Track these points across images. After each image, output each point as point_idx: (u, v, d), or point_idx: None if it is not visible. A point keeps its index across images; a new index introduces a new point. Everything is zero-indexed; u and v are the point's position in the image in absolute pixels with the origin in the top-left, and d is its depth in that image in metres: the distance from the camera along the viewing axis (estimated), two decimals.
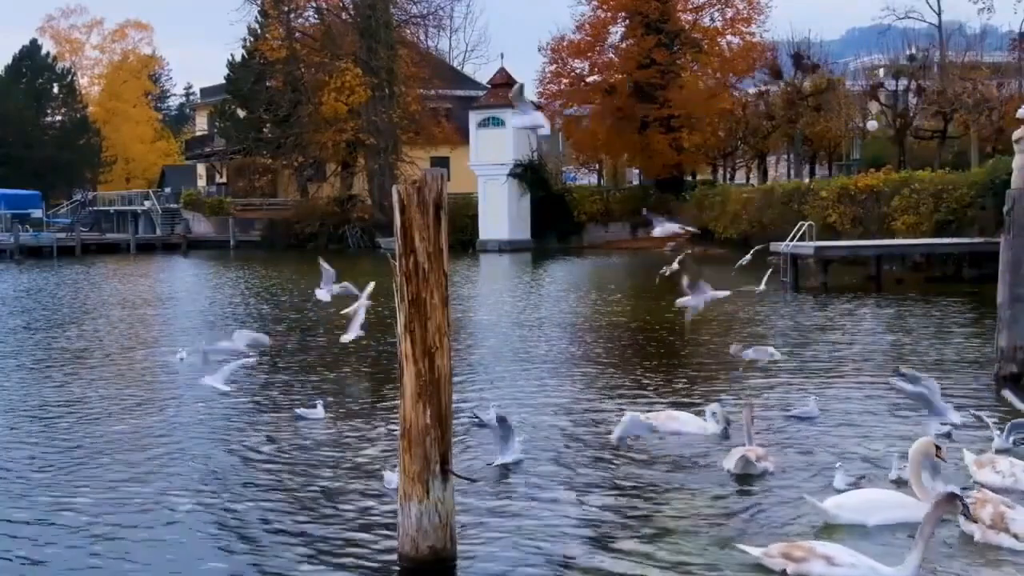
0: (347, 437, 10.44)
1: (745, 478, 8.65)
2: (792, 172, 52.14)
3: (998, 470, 8.16)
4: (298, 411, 11.40)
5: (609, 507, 8.03)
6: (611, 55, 54.52)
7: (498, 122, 53.51)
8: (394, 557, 6.75)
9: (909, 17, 54.03)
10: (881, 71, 51.22)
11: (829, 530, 7.28)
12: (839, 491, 7.90)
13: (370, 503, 8.15)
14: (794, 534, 7.21)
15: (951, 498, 6.27)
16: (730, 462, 8.88)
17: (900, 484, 8.07)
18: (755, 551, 6.50)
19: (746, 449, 8.93)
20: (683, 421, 10.45)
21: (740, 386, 12.87)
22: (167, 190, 70.70)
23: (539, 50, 57.72)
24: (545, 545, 7.15)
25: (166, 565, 6.96)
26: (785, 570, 6.32)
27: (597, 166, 64.33)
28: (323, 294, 12.43)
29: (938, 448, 7.60)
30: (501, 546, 7.13)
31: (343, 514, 7.90)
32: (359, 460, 9.52)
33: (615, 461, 9.36)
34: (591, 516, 7.81)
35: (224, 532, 7.55)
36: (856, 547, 6.59)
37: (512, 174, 52.76)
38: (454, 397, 6.85)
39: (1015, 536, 6.75)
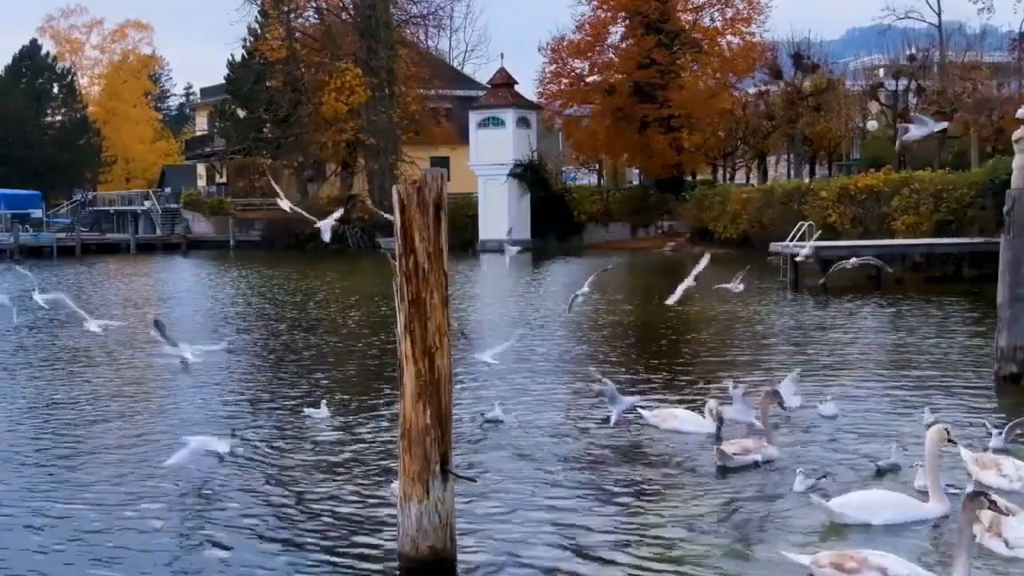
0: (347, 437, 10.45)
1: (745, 475, 8.67)
2: (792, 172, 52.18)
3: (1004, 473, 8.10)
4: (305, 411, 11.39)
5: (612, 507, 8.02)
6: (611, 55, 54.55)
7: (498, 122, 53.52)
8: (394, 557, 6.75)
9: (909, 17, 54.01)
10: (881, 71, 51.23)
11: (834, 529, 7.30)
12: (800, 493, 7.97)
13: (370, 503, 8.15)
14: (800, 533, 7.24)
15: (975, 496, 6.04)
16: (715, 455, 9.09)
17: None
18: (804, 559, 6.31)
19: (729, 442, 9.15)
20: (682, 419, 10.48)
21: (742, 385, 12.86)
22: (167, 190, 70.71)
23: (539, 50, 57.83)
24: (545, 545, 7.15)
25: (165, 564, 6.96)
26: None
27: (597, 166, 64.34)
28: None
29: (946, 431, 7.65)
30: (501, 546, 7.13)
31: (343, 514, 7.90)
32: (359, 460, 9.52)
33: (617, 460, 9.36)
34: (593, 516, 7.80)
35: (224, 531, 7.54)
36: (861, 544, 6.58)
37: (512, 174, 52.77)
38: (454, 397, 6.85)
39: (1005, 542, 6.68)
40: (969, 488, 7.36)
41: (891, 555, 6.24)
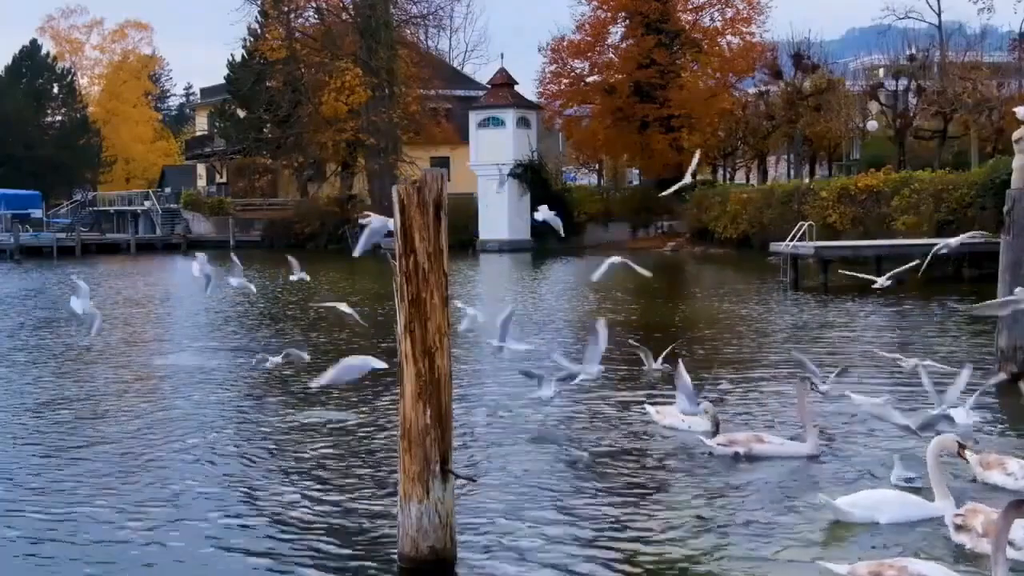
0: (347, 436, 10.44)
1: (749, 473, 8.68)
2: (792, 172, 52.17)
3: (1009, 472, 8.07)
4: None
5: (613, 506, 8.01)
6: (611, 55, 54.55)
7: (498, 122, 53.51)
8: (394, 557, 6.75)
9: (909, 17, 54.07)
10: (881, 71, 51.27)
11: (840, 527, 7.33)
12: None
13: (370, 502, 8.15)
14: (805, 531, 7.26)
15: (1019, 505, 5.69)
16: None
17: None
18: (841, 569, 6.19)
19: (722, 434, 9.40)
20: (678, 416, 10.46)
21: (741, 384, 12.87)
22: (167, 190, 70.74)
23: (539, 50, 57.93)
24: (546, 545, 7.14)
25: (164, 564, 6.95)
26: None
27: (597, 166, 64.33)
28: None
29: (961, 446, 7.50)
30: (501, 546, 7.13)
31: (343, 513, 7.90)
32: (359, 459, 9.52)
33: (618, 458, 9.36)
34: (594, 515, 7.80)
35: (223, 531, 7.55)
36: (871, 543, 6.56)
37: (512, 174, 52.73)
38: (454, 397, 6.85)
39: (1010, 544, 6.42)
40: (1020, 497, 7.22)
41: (930, 563, 6.18)
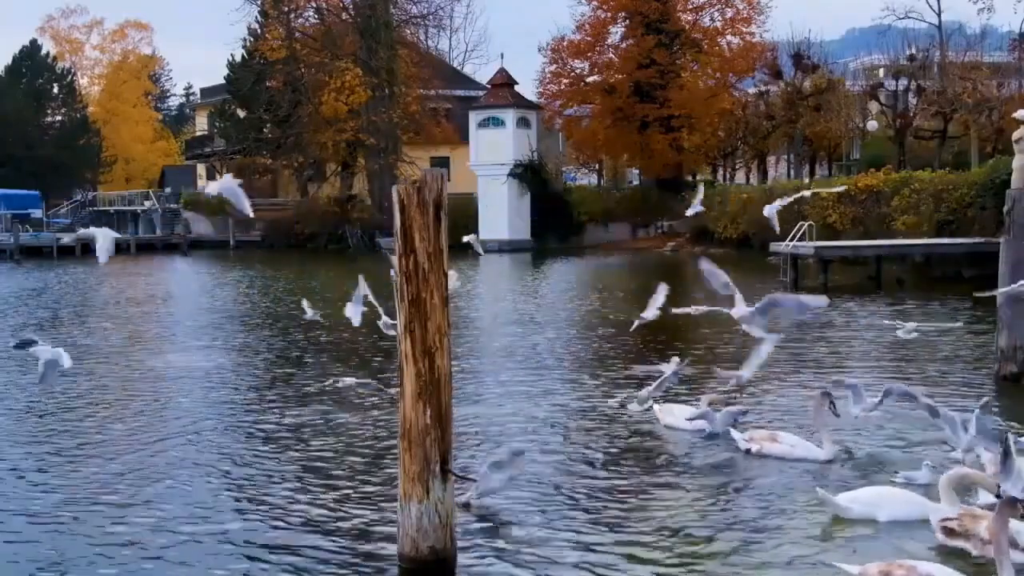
0: (347, 436, 10.45)
1: (750, 473, 8.69)
2: (792, 172, 52.16)
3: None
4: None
5: (613, 505, 8.02)
6: (611, 55, 54.52)
7: (498, 122, 53.50)
8: (394, 557, 6.75)
9: (909, 17, 54.03)
10: (881, 71, 51.26)
11: (841, 524, 7.33)
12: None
13: (370, 503, 8.15)
14: (805, 529, 7.28)
15: (1013, 503, 5.72)
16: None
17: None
18: (853, 570, 6.19)
19: (746, 435, 9.49)
20: (679, 416, 10.47)
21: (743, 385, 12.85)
22: (167, 190, 70.72)
23: (539, 50, 57.89)
24: (545, 545, 7.15)
25: (163, 562, 6.96)
26: None
27: (597, 166, 64.34)
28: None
29: (998, 484, 7.34)
30: (501, 546, 7.13)
31: (342, 514, 7.90)
32: (358, 459, 9.53)
33: (617, 458, 9.37)
34: (594, 515, 7.80)
35: (222, 530, 7.55)
36: (870, 542, 6.55)
37: (512, 174, 52.75)
38: (454, 397, 6.85)
39: (1023, 550, 6.42)
40: (1012, 494, 7.21)
41: (939, 565, 6.18)
